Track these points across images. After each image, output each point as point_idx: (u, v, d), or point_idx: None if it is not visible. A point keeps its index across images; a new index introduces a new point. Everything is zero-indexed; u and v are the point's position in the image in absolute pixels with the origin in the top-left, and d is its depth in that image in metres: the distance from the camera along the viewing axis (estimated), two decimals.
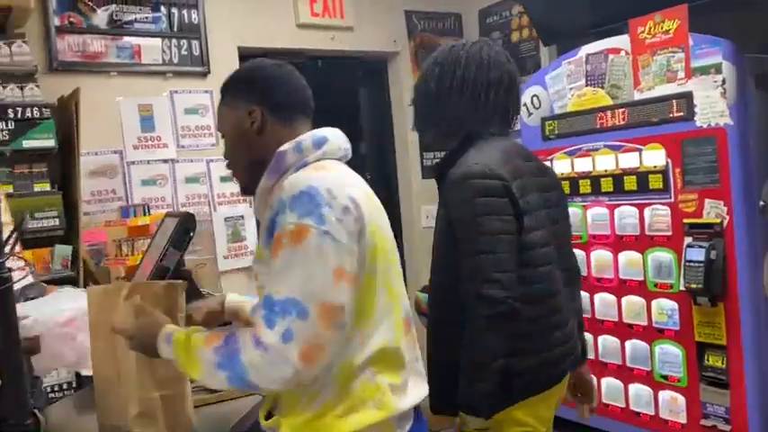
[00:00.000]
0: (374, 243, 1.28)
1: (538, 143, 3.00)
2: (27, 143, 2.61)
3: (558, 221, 1.75)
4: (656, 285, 2.61)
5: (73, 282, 2.73)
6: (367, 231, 1.26)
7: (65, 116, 2.81)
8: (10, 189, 2.60)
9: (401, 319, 1.34)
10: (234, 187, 3.42)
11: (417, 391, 1.34)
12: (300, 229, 1.20)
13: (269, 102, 1.39)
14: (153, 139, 3.29)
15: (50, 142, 2.66)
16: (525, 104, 3.09)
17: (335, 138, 1.38)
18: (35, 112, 2.63)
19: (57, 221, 2.67)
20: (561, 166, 2.90)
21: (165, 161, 3.32)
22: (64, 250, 2.71)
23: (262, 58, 1.54)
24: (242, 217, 3.52)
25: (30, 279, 1.96)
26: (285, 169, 1.31)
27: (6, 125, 2.57)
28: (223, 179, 3.46)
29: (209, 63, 3.43)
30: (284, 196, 1.24)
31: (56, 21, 3.01)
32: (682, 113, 2.47)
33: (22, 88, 2.64)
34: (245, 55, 3.53)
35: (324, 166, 1.33)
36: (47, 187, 2.69)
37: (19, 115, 2.60)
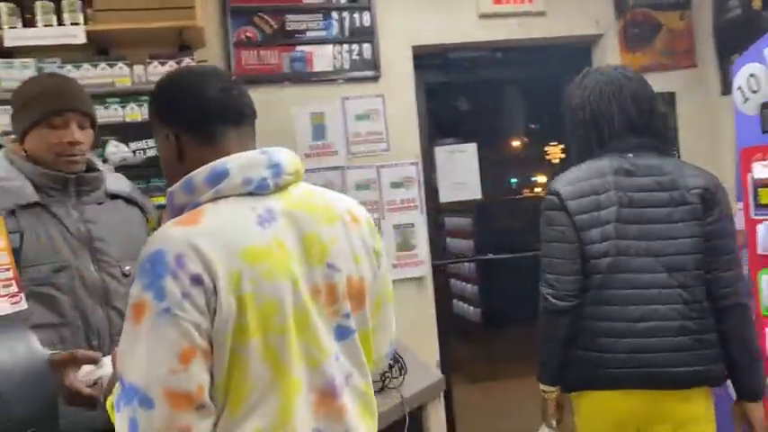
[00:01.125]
0: (243, 314, 1.06)
1: (755, 137, 2.29)
2: None
3: (665, 238, 1.76)
4: None
5: None
6: (226, 305, 1.04)
7: None
8: None
9: (298, 399, 1.11)
10: (406, 193, 3.31)
11: None
12: (140, 304, 1.04)
13: (179, 119, 1.19)
14: (324, 147, 3.30)
15: None
16: (740, 87, 2.39)
17: (244, 167, 1.13)
18: None
19: None
20: None
21: (336, 168, 3.30)
22: None
23: (175, 69, 1.37)
24: (412, 225, 3.35)
25: None
26: (176, 213, 1.13)
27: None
28: (394, 185, 3.34)
29: (380, 66, 3.34)
30: (139, 258, 1.08)
31: (233, 37, 3.18)
32: None
33: None
34: (420, 54, 3.37)
35: (201, 212, 1.11)
36: None
37: None
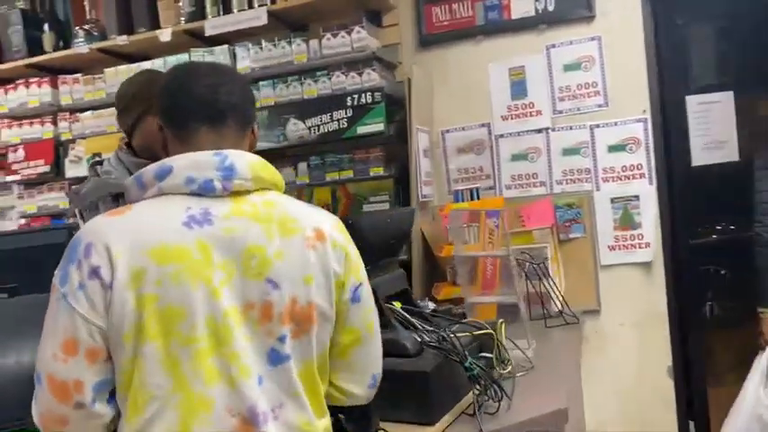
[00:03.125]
0: (141, 316, 1.00)
1: None
2: (361, 129, 2.64)
3: None
4: None
5: (404, 265, 2.68)
6: (121, 302, 0.99)
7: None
8: (351, 174, 2.72)
9: (206, 418, 1.01)
10: (629, 158, 2.67)
11: None
12: (53, 284, 1.03)
13: (161, 113, 1.19)
14: (524, 107, 2.83)
15: (380, 127, 2.62)
16: None
17: (189, 167, 1.07)
18: (368, 97, 2.63)
19: (387, 205, 2.64)
20: None
21: (539, 131, 2.82)
22: None
23: (182, 63, 1.37)
24: (636, 197, 2.69)
25: None
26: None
27: (345, 113, 2.67)
28: (612, 148, 2.72)
29: (593, 4, 2.70)
30: None
31: None
32: None
33: (360, 74, 2.68)
34: None
35: (132, 206, 1.09)
36: (380, 172, 2.68)
37: (355, 102, 2.65)
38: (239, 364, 1.03)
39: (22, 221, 3.37)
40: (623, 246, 2.71)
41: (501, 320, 2.03)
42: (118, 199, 1.92)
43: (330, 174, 2.74)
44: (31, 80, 3.23)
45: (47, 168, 3.22)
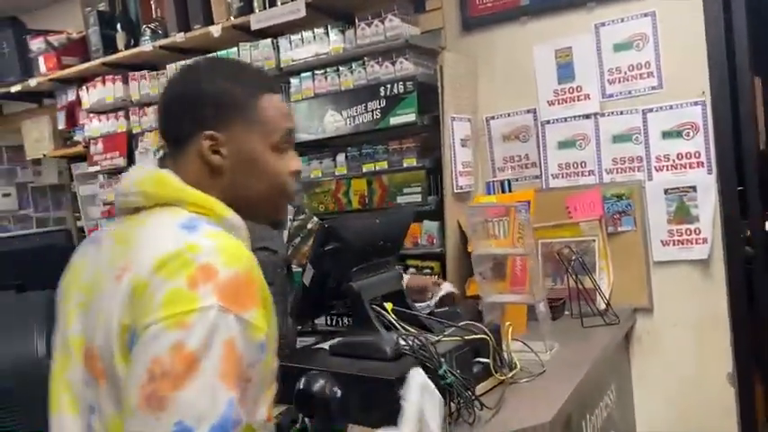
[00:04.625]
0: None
1: None
2: (393, 120, 2.59)
3: None
4: None
5: (438, 258, 2.63)
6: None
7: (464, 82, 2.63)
8: (385, 165, 2.68)
9: None
10: (685, 145, 2.44)
11: None
12: None
13: None
14: (572, 91, 2.65)
15: (412, 117, 2.55)
16: None
17: (120, 185, 1.02)
18: (400, 87, 2.57)
19: (419, 197, 2.59)
20: None
21: (587, 116, 2.63)
22: (430, 226, 2.62)
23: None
24: (693, 188, 2.45)
25: None
26: None
27: (379, 103, 2.63)
28: (667, 134, 2.49)
29: None
30: None
31: None
32: None
33: (393, 64, 2.62)
34: None
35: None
36: (413, 163, 2.62)
37: (388, 92, 2.60)
38: (69, 397, 0.97)
39: (104, 208, 3.67)
40: (678, 241, 2.49)
41: (508, 323, 1.95)
42: None
43: (366, 165, 2.73)
44: (107, 77, 3.48)
45: (121, 160, 3.47)
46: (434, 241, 2.63)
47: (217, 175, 1.02)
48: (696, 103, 2.43)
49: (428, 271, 2.66)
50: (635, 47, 2.52)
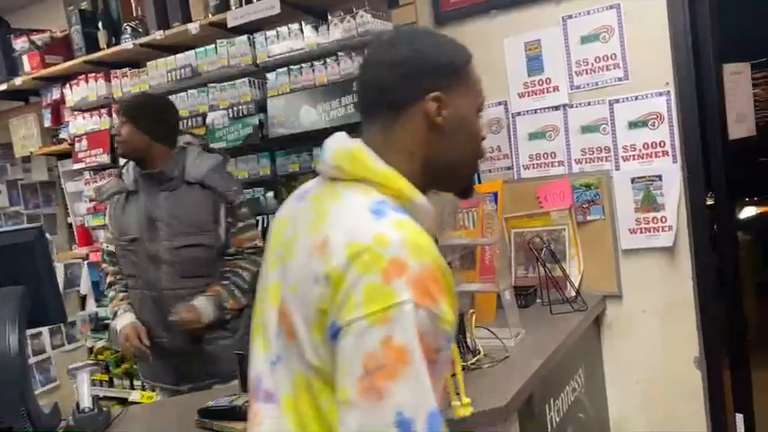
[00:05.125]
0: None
1: None
2: None
3: None
4: None
5: None
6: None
7: None
8: None
9: (251, 374, 1.10)
10: (650, 135, 2.50)
11: None
12: None
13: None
14: (541, 83, 2.70)
15: None
16: None
17: (322, 154, 1.08)
18: None
19: None
20: None
21: (556, 108, 2.68)
22: None
23: None
24: (659, 177, 2.50)
25: None
26: None
27: (352, 98, 2.67)
28: (633, 125, 2.54)
29: None
30: None
31: None
32: None
33: None
34: None
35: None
36: None
37: None
38: (263, 337, 1.06)
39: (90, 204, 3.73)
40: (645, 229, 2.55)
41: (472, 311, 2.02)
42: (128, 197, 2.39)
43: None
44: (90, 75, 3.53)
45: (105, 157, 3.52)
46: None
47: (433, 138, 1.04)
48: (661, 94, 2.48)
49: None
50: (601, 39, 2.56)
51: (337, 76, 2.74)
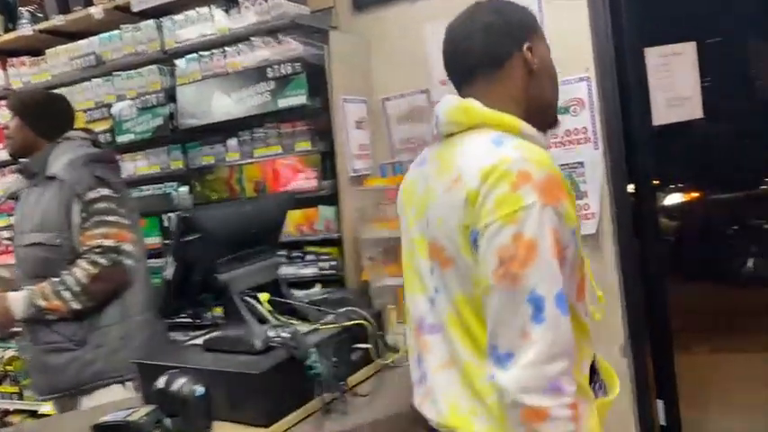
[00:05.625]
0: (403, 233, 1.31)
1: None
2: (282, 102, 2.51)
3: None
4: None
5: (337, 243, 2.58)
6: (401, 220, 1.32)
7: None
8: (278, 150, 2.60)
9: (412, 323, 1.29)
10: (571, 121, 2.46)
11: (414, 394, 1.30)
12: None
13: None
14: None
15: (302, 99, 2.48)
16: None
17: (438, 114, 1.25)
18: (288, 68, 2.50)
19: (315, 182, 2.53)
20: None
21: None
22: (327, 212, 2.56)
23: None
24: (581, 164, 2.48)
25: None
26: None
27: (267, 85, 2.54)
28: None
29: None
30: None
31: None
32: None
33: (280, 43, 2.53)
34: None
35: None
36: (307, 146, 2.56)
37: (276, 73, 2.52)
38: (421, 283, 1.23)
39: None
40: None
41: (392, 307, 1.93)
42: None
43: (259, 150, 2.64)
44: None
45: (3, 153, 3.25)
46: (332, 227, 2.57)
47: (531, 83, 1.21)
48: (581, 80, 2.45)
49: (326, 257, 2.60)
50: None
51: (251, 62, 2.59)
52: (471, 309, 1.12)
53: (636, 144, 2.51)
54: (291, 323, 1.63)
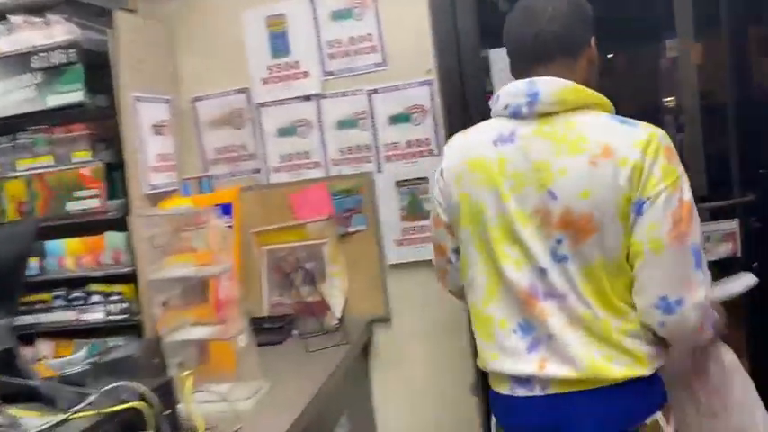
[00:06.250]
0: (461, 207, 1.36)
1: None
2: (53, 100, 1.96)
3: None
4: None
5: (130, 279, 2.05)
6: (450, 195, 1.38)
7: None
8: (50, 161, 2.03)
9: (500, 285, 1.33)
10: (414, 131, 2.14)
11: (512, 363, 1.32)
12: None
13: (508, 51, 1.40)
14: (288, 67, 2.23)
15: (78, 96, 1.94)
16: None
17: (506, 95, 1.32)
18: (60, 56, 1.94)
19: (97, 202, 1.99)
20: None
21: (308, 98, 2.23)
22: (115, 240, 2.03)
23: None
24: (425, 179, 2.17)
25: None
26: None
27: (34, 78, 1.97)
28: (394, 119, 2.17)
29: None
30: None
31: None
32: None
33: (48, 24, 1.97)
34: None
35: (477, 127, 1.40)
36: (87, 157, 2.01)
37: (44, 63, 1.96)
38: (525, 253, 1.28)
39: None
40: (413, 240, 2.20)
41: (186, 373, 1.46)
42: None
43: (23, 161, 2.04)
44: None
45: None
46: (122, 258, 2.03)
47: (592, 73, 1.35)
48: (423, 84, 2.14)
49: (116, 298, 2.06)
50: (354, 15, 2.16)
51: (11, 47, 1.99)
52: (607, 272, 1.25)
53: None
54: (18, 416, 1.11)
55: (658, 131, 1.23)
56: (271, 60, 2.23)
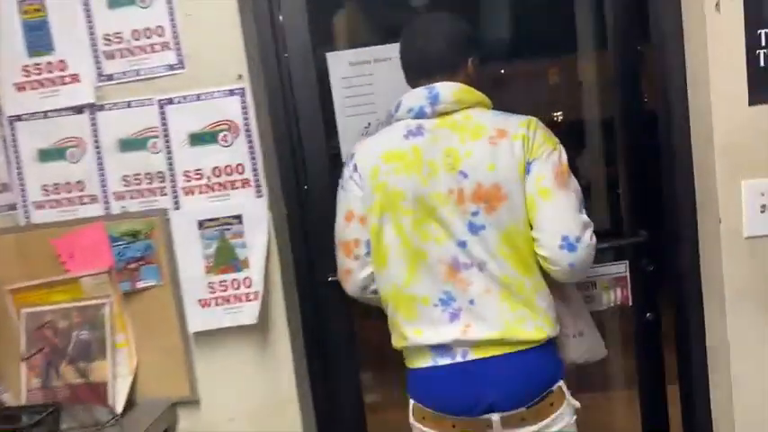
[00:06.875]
0: (374, 198, 1.43)
1: None
2: None
3: None
4: None
5: None
6: (367, 187, 1.44)
7: None
8: None
9: (421, 265, 1.42)
10: (221, 155, 1.62)
11: (434, 334, 1.42)
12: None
13: (402, 67, 1.52)
14: (51, 68, 1.65)
15: None
16: None
17: (409, 100, 1.44)
18: None
19: None
20: None
21: (79, 110, 1.65)
22: None
23: None
24: (237, 218, 1.65)
25: None
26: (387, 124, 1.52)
27: None
28: (196, 138, 1.64)
29: None
30: None
31: None
32: None
33: None
34: None
35: (381, 131, 1.51)
36: None
37: None
38: (446, 230, 1.40)
39: None
40: (223, 298, 1.66)
41: None
42: None
43: None
44: None
45: None
46: None
47: (473, 85, 1.47)
48: (232, 92, 1.62)
49: None
50: (138, 1, 1.62)
51: None
52: (519, 234, 1.39)
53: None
54: None
55: (533, 117, 1.45)
56: (27, 59, 1.64)
